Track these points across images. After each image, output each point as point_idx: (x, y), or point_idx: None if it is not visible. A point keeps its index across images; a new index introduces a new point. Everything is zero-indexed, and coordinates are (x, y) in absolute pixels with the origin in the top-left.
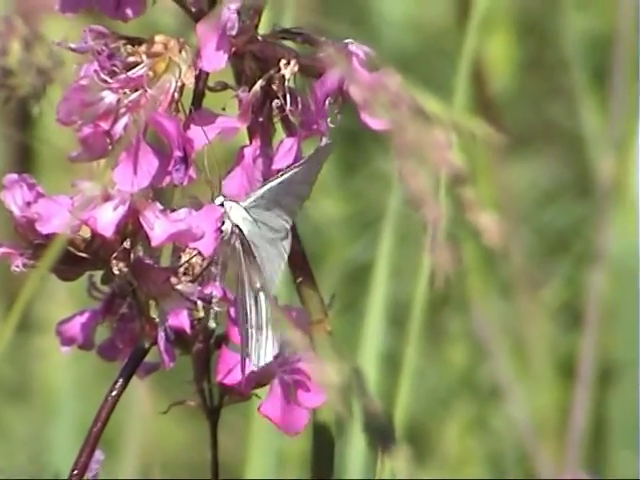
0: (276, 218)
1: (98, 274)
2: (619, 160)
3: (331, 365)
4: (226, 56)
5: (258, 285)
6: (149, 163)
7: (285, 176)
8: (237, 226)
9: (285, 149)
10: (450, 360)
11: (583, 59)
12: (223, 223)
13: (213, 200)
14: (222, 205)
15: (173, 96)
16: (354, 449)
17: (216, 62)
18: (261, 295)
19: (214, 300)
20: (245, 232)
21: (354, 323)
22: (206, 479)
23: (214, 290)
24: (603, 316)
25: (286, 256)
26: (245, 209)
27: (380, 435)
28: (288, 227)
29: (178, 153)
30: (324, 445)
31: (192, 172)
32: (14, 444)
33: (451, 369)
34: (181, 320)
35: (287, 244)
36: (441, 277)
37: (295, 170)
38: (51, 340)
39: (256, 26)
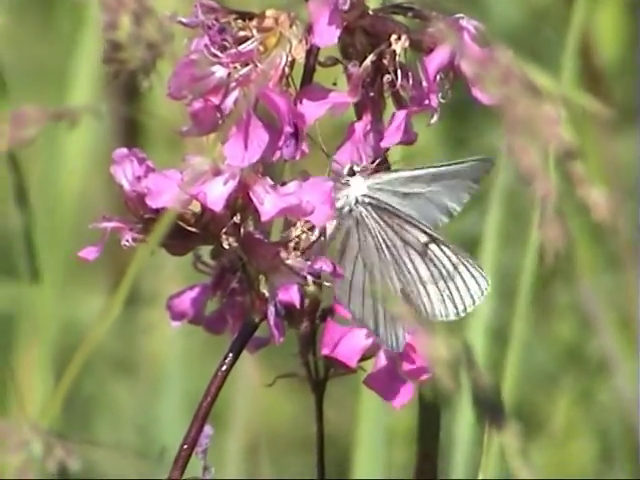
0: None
1: (203, 248)
2: None
3: (439, 338)
4: (339, 31)
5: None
6: (259, 138)
7: (418, 171)
8: (356, 199)
9: (396, 124)
10: (558, 334)
11: None
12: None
13: (330, 169)
14: (352, 172)
15: (284, 71)
16: (461, 423)
17: (328, 37)
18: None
19: (324, 275)
20: (361, 209)
21: None
22: (312, 451)
23: (324, 265)
24: None
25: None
26: (368, 187)
27: (489, 409)
28: (423, 240)
29: (289, 129)
30: (430, 418)
31: (305, 146)
32: (121, 418)
33: (559, 343)
34: (291, 295)
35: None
36: (551, 252)
37: (434, 169)
38: (159, 314)
39: (366, 0)
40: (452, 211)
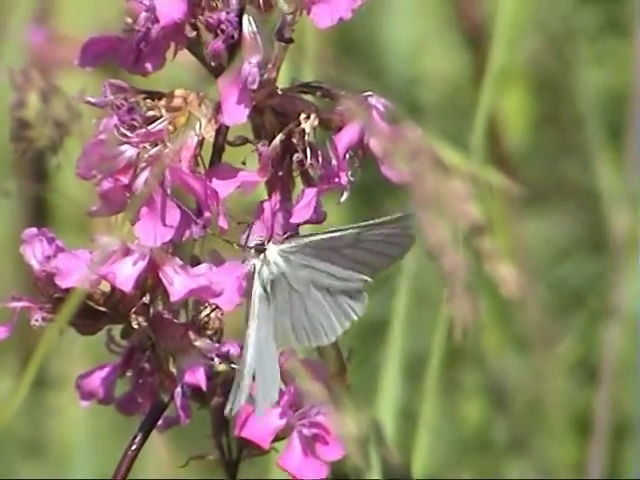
0: (337, 268)
1: (117, 328)
2: (634, 216)
3: (350, 417)
4: (247, 110)
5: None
6: (171, 217)
7: (339, 233)
8: (254, 266)
9: (306, 201)
10: (466, 414)
11: (598, 115)
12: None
13: (241, 242)
14: (256, 248)
15: (194, 150)
16: None
17: (237, 116)
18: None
19: (231, 357)
20: (266, 274)
21: (371, 377)
22: None
23: (231, 348)
24: (618, 372)
25: (353, 315)
26: (281, 251)
27: None
28: (363, 279)
29: (208, 213)
30: None
31: (223, 222)
32: None
33: (467, 423)
34: (197, 377)
35: (358, 305)
36: (460, 328)
37: (356, 230)
38: (66, 396)
39: (275, 80)
40: (395, 256)
